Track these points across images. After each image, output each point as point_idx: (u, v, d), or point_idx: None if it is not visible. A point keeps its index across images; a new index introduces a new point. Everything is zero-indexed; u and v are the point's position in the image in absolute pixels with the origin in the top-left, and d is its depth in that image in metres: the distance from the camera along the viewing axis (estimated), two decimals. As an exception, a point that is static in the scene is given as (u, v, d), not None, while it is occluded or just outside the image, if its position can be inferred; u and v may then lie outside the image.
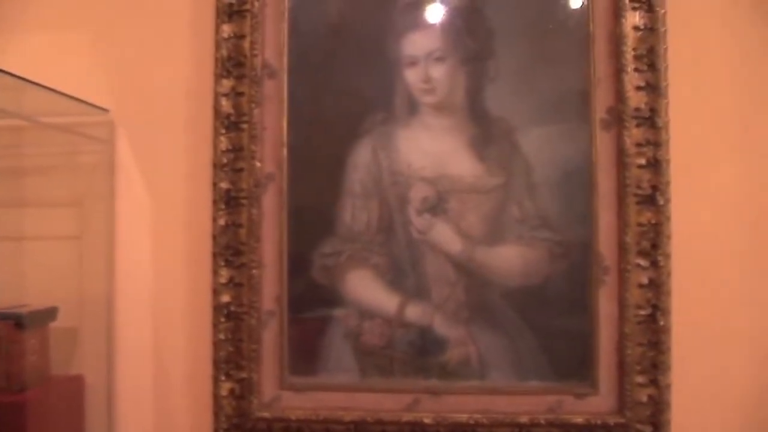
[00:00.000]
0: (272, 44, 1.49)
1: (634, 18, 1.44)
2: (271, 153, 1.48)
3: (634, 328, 1.42)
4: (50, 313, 1.46)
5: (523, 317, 1.44)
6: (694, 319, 1.43)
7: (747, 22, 1.46)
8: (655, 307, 1.42)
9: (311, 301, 1.47)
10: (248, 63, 1.48)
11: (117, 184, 1.53)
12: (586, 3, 1.46)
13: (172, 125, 1.52)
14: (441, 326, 1.44)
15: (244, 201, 1.47)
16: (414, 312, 1.45)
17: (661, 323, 1.41)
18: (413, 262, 1.45)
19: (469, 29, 1.46)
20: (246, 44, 1.48)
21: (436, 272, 1.45)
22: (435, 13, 1.47)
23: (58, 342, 1.48)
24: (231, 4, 1.49)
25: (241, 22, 1.49)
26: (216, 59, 1.49)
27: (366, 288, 1.46)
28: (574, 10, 1.46)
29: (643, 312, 1.42)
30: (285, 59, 1.48)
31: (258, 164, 1.47)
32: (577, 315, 1.43)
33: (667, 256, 1.41)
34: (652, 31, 1.44)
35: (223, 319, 1.47)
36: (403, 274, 1.45)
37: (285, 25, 1.49)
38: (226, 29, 1.49)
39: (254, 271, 1.46)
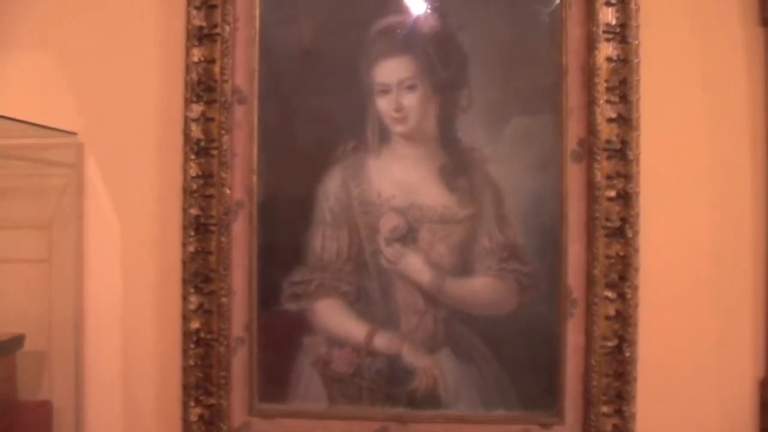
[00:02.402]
0: (243, 69, 1.48)
1: (607, 49, 1.43)
2: (241, 180, 1.47)
3: (601, 359, 1.43)
4: (17, 341, 1.45)
5: (491, 347, 1.44)
6: (661, 350, 1.44)
7: (719, 55, 1.46)
8: (621, 338, 1.43)
9: (281, 328, 1.47)
10: (218, 88, 1.46)
11: (86, 208, 1.52)
12: (559, 33, 1.45)
13: (142, 149, 1.51)
14: (409, 355, 1.45)
15: (213, 228, 1.46)
16: (382, 340, 1.45)
17: (627, 354, 1.43)
18: (383, 291, 1.45)
19: (442, 58, 1.45)
20: (216, 69, 1.47)
21: (405, 301, 1.45)
22: (408, 41, 1.45)
23: (26, 366, 1.47)
24: (201, 28, 1.47)
25: (211, 46, 1.47)
26: (186, 83, 1.47)
27: (335, 316, 1.46)
28: (547, 40, 1.45)
29: (609, 343, 1.43)
30: (255, 85, 1.47)
31: (228, 191, 1.46)
32: (544, 345, 1.44)
33: (635, 289, 1.42)
34: (625, 62, 1.43)
35: (192, 346, 1.47)
36: (373, 303, 1.46)
37: (256, 50, 1.47)
38: (197, 53, 1.47)
39: (224, 298, 1.46)
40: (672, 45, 1.46)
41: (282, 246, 1.47)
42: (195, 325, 1.47)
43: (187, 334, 1.47)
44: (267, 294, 1.47)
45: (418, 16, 1.46)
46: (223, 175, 1.46)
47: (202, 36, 1.47)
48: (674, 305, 1.45)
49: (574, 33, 1.45)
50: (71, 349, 1.50)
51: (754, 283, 1.45)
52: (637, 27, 1.43)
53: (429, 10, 1.46)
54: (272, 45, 1.48)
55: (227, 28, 1.46)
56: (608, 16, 1.44)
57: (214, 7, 1.47)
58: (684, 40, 1.46)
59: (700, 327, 1.46)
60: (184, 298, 1.47)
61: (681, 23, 1.46)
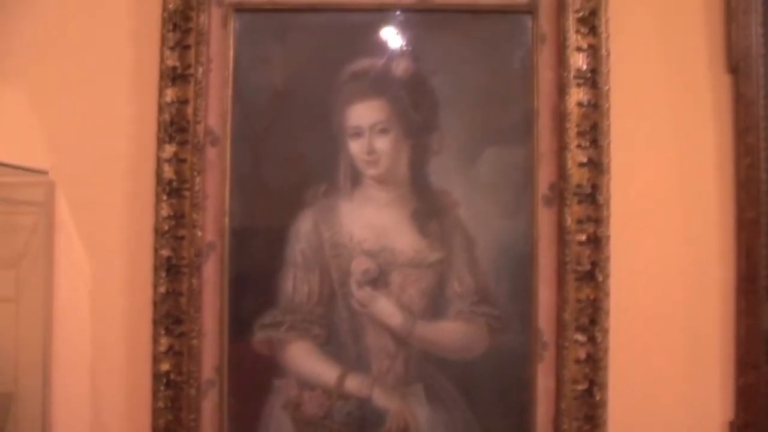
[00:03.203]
0: (216, 111, 1.48)
1: (578, 94, 1.45)
2: (212, 221, 1.47)
3: (571, 403, 1.43)
4: (-17, 384, 1.44)
5: (462, 390, 1.44)
6: (631, 393, 1.44)
7: (688, 101, 1.48)
8: (592, 382, 1.43)
9: (251, 370, 1.46)
10: (191, 129, 1.46)
11: (56, 247, 1.50)
12: (531, 78, 1.46)
13: (114, 189, 1.50)
14: (380, 398, 1.44)
15: (184, 269, 1.45)
16: (354, 383, 1.45)
17: (598, 398, 1.43)
18: (354, 334, 1.45)
19: (414, 101, 1.46)
20: (189, 110, 1.46)
21: (376, 344, 1.45)
22: (380, 85, 1.46)
23: (-7, 409, 1.46)
24: (175, 68, 1.47)
25: (184, 86, 1.47)
26: (159, 123, 1.47)
27: (306, 358, 1.45)
28: (519, 84, 1.47)
29: (580, 387, 1.43)
30: (228, 126, 1.47)
31: (199, 233, 1.45)
32: (514, 389, 1.44)
33: (605, 332, 1.43)
34: (595, 107, 1.45)
35: (162, 388, 1.45)
36: (344, 346, 1.45)
37: (229, 92, 1.47)
38: (170, 93, 1.47)
39: (194, 340, 1.45)
40: (642, 90, 1.48)
41: (253, 288, 1.47)
42: (165, 366, 1.45)
43: (157, 376, 1.45)
44: (238, 336, 1.46)
45: (391, 60, 1.47)
46: (195, 216, 1.45)
47: (175, 76, 1.47)
48: (644, 348, 1.46)
49: (545, 78, 1.47)
50: (39, 391, 1.48)
51: (724, 326, 1.46)
52: (608, 72, 1.45)
53: (401, 54, 1.47)
54: (246, 87, 1.48)
55: (201, 69, 1.46)
56: (579, 61, 1.45)
57: (187, 47, 1.47)
58: (654, 86, 1.49)
59: (669, 370, 1.47)
60: (155, 340, 1.45)
61: (651, 69, 1.49)
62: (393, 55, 1.47)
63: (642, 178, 1.47)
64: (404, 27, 1.48)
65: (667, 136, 1.48)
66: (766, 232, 1.45)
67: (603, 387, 1.43)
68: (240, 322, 1.46)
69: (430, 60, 1.47)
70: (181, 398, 1.45)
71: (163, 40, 1.47)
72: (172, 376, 1.45)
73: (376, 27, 1.48)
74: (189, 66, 1.47)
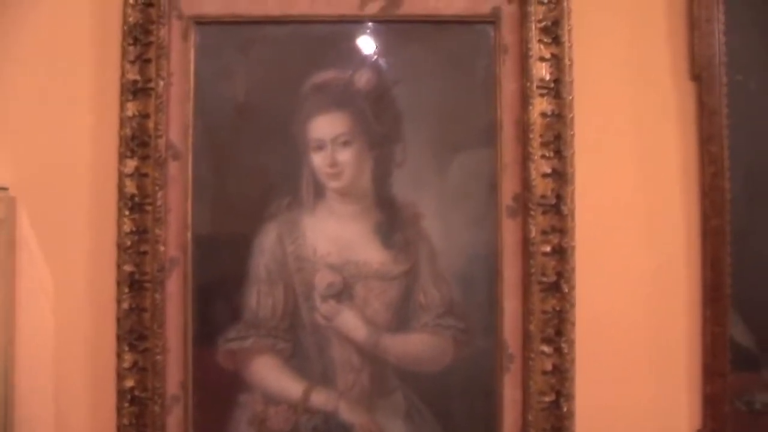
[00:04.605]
0: (177, 124, 1.46)
1: (541, 105, 1.44)
2: (175, 236, 1.45)
3: (538, 414, 1.42)
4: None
5: (428, 403, 1.44)
6: (598, 404, 1.44)
7: (652, 109, 1.48)
8: (558, 393, 1.43)
9: (216, 386, 1.45)
10: (153, 143, 1.45)
11: (18, 263, 1.49)
12: (494, 89, 1.46)
13: (75, 204, 1.48)
14: (346, 412, 1.43)
15: (148, 285, 1.44)
16: (319, 398, 1.44)
17: (564, 409, 1.42)
18: (319, 348, 1.44)
19: (377, 113, 1.45)
20: (151, 124, 1.45)
21: (341, 358, 1.44)
22: (342, 97, 1.45)
23: (-45, 428, 1.44)
24: (135, 82, 1.45)
25: (145, 100, 1.45)
26: (120, 138, 1.45)
27: (271, 373, 1.44)
28: (482, 95, 1.46)
29: (546, 398, 1.43)
30: (190, 140, 1.46)
31: (162, 248, 1.44)
32: (481, 402, 1.44)
33: (571, 343, 1.42)
34: (559, 117, 1.44)
35: (126, 404, 1.44)
36: (309, 360, 1.44)
37: (190, 106, 1.46)
38: (131, 108, 1.45)
39: (158, 356, 1.44)
40: (605, 100, 1.48)
41: (217, 302, 1.46)
42: (129, 383, 1.44)
43: (121, 393, 1.44)
44: (202, 351, 1.45)
45: (353, 72, 1.46)
46: (158, 231, 1.44)
47: (136, 90, 1.45)
48: (611, 359, 1.46)
49: (508, 88, 1.46)
50: (1, 410, 1.46)
51: (690, 335, 1.46)
52: (571, 82, 1.44)
53: (364, 65, 1.46)
54: (207, 100, 1.47)
55: (162, 82, 1.45)
56: (542, 71, 1.45)
57: (148, 61, 1.46)
58: (617, 95, 1.48)
59: (636, 380, 1.47)
60: (119, 356, 1.44)
61: (614, 78, 1.48)
62: (355, 67, 1.46)
63: (606, 187, 1.47)
64: (367, 38, 1.48)
65: (631, 146, 1.48)
66: (731, 240, 1.45)
67: (570, 398, 1.42)
68: (204, 337, 1.45)
69: (393, 71, 1.47)
70: (145, 415, 1.44)
71: (124, 53, 1.46)
72: (136, 393, 1.44)
73: (338, 39, 1.47)
74: (150, 80, 1.45)
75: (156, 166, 1.45)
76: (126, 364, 1.44)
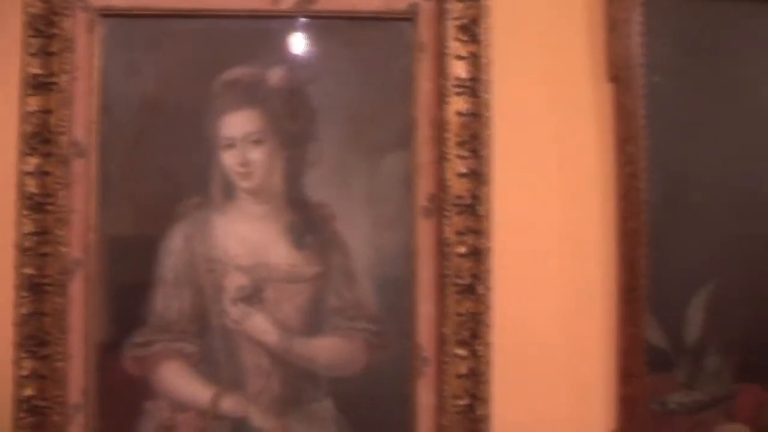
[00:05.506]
0: (82, 121, 1.40)
1: (458, 103, 1.42)
2: (78, 237, 1.39)
3: (453, 418, 1.40)
4: None
5: (341, 408, 1.40)
6: (514, 407, 1.42)
7: (570, 110, 1.48)
8: (473, 396, 1.41)
9: (121, 393, 1.39)
10: (55, 140, 1.39)
11: None
12: (410, 87, 1.43)
13: (-27, 204, 1.42)
14: (256, 418, 1.39)
15: (49, 288, 1.37)
16: (228, 404, 1.39)
17: (479, 413, 1.41)
18: (228, 353, 1.40)
19: (290, 111, 1.41)
20: (53, 120, 1.39)
21: (251, 363, 1.39)
22: (254, 94, 1.41)
23: None
24: (37, 76, 1.39)
25: (48, 95, 1.39)
26: (21, 135, 1.39)
27: (179, 379, 1.39)
28: (398, 94, 1.43)
29: (461, 402, 1.40)
30: (95, 137, 1.40)
31: (65, 249, 1.38)
32: (395, 405, 1.41)
33: (487, 346, 1.41)
34: (475, 117, 1.42)
35: (25, 414, 1.37)
36: (218, 365, 1.39)
37: (95, 101, 1.40)
38: (32, 103, 1.39)
39: (59, 363, 1.37)
40: (523, 99, 1.46)
41: (123, 306, 1.40)
42: (28, 391, 1.37)
43: (19, 402, 1.37)
44: (107, 357, 1.39)
45: (266, 68, 1.41)
46: (60, 232, 1.38)
47: (38, 85, 1.39)
48: (527, 361, 1.44)
49: (424, 87, 1.43)
50: None
51: (606, 336, 1.46)
52: (488, 81, 1.42)
53: (277, 62, 1.42)
54: (114, 96, 1.41)
55: (64, 77, 1.39)
56: (459, 69, 1.43)
57: (51, 54, 1.39)
58: (535, 94, 1.47)
59: (553, 382, 1.46)
60: (17, 364, 1.37)
61: (532, 78, 1.47)
62: (268, 64, 1.42)
63: (523, 188, 1.45)
64: (280, 34, 1.44)
65: (548, 146, 1.47)
66: (647, 241, 1.45)
67: (485, 401, 1.40)
68: (109, 343, 1.39)
69: (308, 68, 1.43)
70: (45, 424, 1.37)
71: (25, 46, 1.40)
72: (35, 402, 1.37)
73: (251, 34, 1.43)
74: (53, 74, 1.39)
75: (59, 164, 1.38)
76: (24, 372, 1.37)
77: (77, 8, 1.41)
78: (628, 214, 1.46)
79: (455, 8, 1.43)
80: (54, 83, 1.39)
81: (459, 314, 1.40)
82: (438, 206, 1.42)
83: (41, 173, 1.39)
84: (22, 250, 1.38)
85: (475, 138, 1.42)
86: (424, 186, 1.43)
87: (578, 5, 1.49)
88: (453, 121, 1.42)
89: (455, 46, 1.43)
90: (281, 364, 1.39)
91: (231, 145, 1.40)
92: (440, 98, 1.42)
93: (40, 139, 1.39)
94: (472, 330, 1.41)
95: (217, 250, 1.40)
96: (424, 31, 1.44)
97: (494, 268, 1.41)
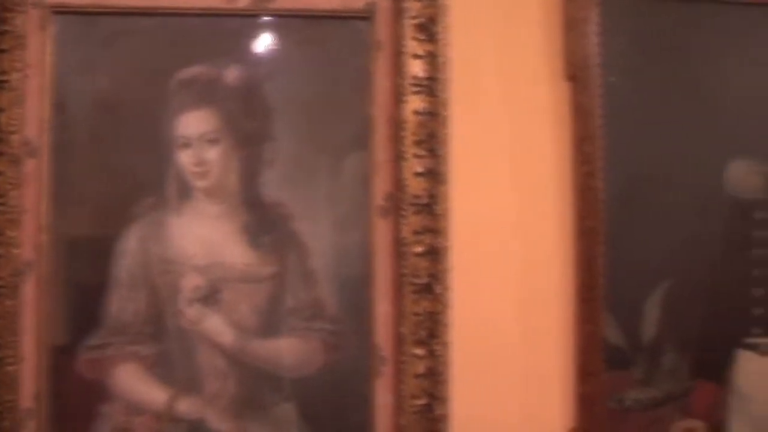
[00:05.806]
0: (34, 120, 1.37)
1: (415, 102, 1.42)
2: (30, 238, 1.36)
3: (411, 418, 1.40)
4: None
5: (299, 409, 1.39)
6: (473, 406, 1.42)
7: (527, 109, 1.48)
8: (431, 396, 1.40)
9: (76, 397, 1.37)
10: (6, 139, 1.36)
11: None
12: (367, 86, 1.43)
13: None
14: (213, 420, 1.38)
15: (0, 290, 1.35)
16: (184, 406, 1.37)
17: (438, 412, 1.40)
18: (184, 355, 1.38)
19: (247, 110, 1.40)
20: (4, 119, 1.36)
21: (208, 365, 1.38)
22: (210, 93, 1.39)
23: None
24: (-13, 74, 1.38)
25: (-1, 94, 1.38)
26: (-30, 135, 1.37)
27: (134, 381, 1.38)
28: (355, 92, 1.43)
29: (419, 402, 1.40)
30: (47, 136, 1.38)
31: (16, 251, 1.36)
32: (353, 406, 1.40)
33: (445, 345, 1.41)
34: (432, 116, 1.42)
35: (-26, 421, 1.36)
36: (174, 367, 1.38)
37: (48, 100, 1.38)
38: (-18, 102, 1.38)
39: (10, 367, 1.35)
40: (480, 99, 1.47)
41: (77, 308, 1.38)
42: (-22, 396, 1.36)
43: (-32, 408, 1.36)
44: (60, 360, 1.37)
45: (222, 67, 1.40)
46: (11, 233, 1.35)
47: (-12, 83, 1.38)
48: (485, 360, 1.45)
49: (381, 85, 1.43)
50: None
51: (563, 335, 1.46)
52: (446, 80, 1.42)
53: (233, 61, 1.41)
54: (67, 94, 1.39)
55: (15, 75, 1.36)
56: (416, 68, 1.42)
57: (2, 51, 1.36)
58: (492, 94, 1.47)
59: (511, 381, 1.46)
60: (-34, 369, 1.36)
61: (489, 77, 1.47)
62: (225, 62, 1.40)
63: (481, 187, 1.46)
64: (237, 32, 1.42)
65: (505, 145, 1.47)
66: (605, 240, 1.46)
67: (443, 401, 1.40)
68: (63, 346, 1.37)
69: (264, 67, 1.42)
70: (-5, 431, 1.36)
71: (-26, 43, 1.38)
72: (-16, 408, 1.36)
73: (207, 33, 1.41)
74: (4, 72, 1.36)
75: (10, 164, 1.36)
76: (-25, 376, 1.36)
77: (29, 5, 1.38)
78: (586, 213, 1.47)
79: (413, 7, 1.43)
80: (5, 81, 1.36)
81: (416, 314, 1.40)
82: (395, 205, 1.41)
83: (-9, 173, 1.37)
84: (-28, 253, 1.36)
85: (432, 137, 1.42)
86: (381, 185, 1.42)
87: (536, 5, 1.49)
88: (410, 120, 1.41)
89: (413, 45, 1.43)
90: (238, 365, 1.38)
91: (187, 145, 1.39)
92: (397, 97, 1.42)
93: (-9, 138, 1.37)
94: (429, 329, 1.41)
95: (173, 251, 1.38)
96: (382, 30, 1.44)
97: (452, 268, 1.41)
